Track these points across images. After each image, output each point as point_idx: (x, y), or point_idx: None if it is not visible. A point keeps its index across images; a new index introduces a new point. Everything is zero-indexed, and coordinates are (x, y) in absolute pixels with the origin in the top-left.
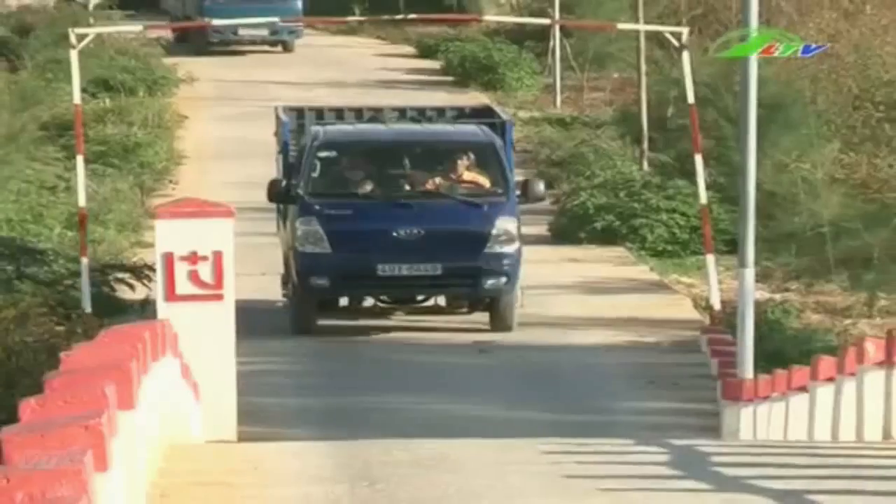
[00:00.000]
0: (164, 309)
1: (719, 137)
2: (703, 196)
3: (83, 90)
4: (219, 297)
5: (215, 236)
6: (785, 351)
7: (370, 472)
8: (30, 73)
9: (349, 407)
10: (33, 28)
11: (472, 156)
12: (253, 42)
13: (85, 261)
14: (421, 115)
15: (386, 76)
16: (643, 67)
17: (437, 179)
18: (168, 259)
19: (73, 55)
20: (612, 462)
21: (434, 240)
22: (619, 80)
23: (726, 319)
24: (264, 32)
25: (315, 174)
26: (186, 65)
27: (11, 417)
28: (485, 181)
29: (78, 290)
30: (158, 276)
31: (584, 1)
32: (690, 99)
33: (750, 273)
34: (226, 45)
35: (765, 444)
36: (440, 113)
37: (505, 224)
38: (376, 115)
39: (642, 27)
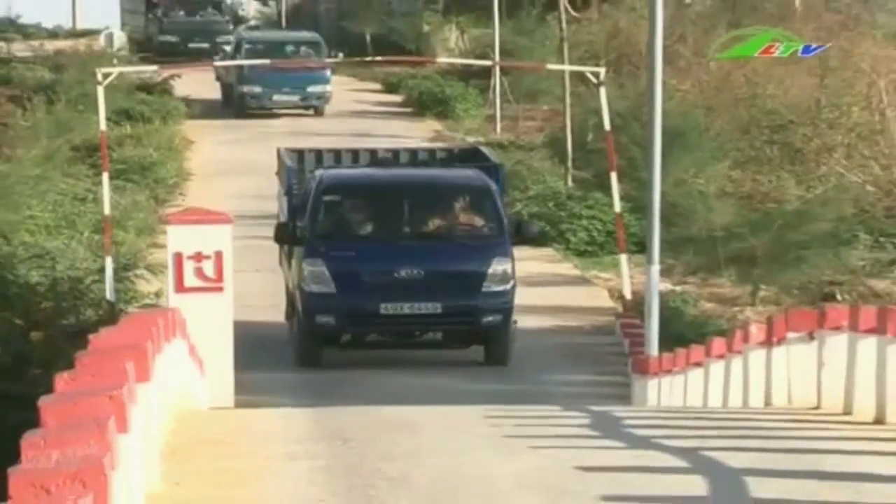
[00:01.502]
0: (174, 299)
1: (630, 158)
2: (617, 206)
3: (108, 119)
4: (220, 289)
5: (216, 239)
6: (684, 333)
7: (344, 433)
8: (64, 106)
9: (328, 379)
10: (67, 68)
11: (468, 198)
12: (286, 107)
13: (109, 259)
14: (413, 156)
15: (358, 107)
16: (568, 100)
17: (436, 221)
18: (178, 258)
19: (100, 90)
20: (542, 424)
21: (434, 280)
22: (548, 111)
23: (636, 307)
24: (296, 98)
25: (320, 217)
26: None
27: (49, 390)
28: (480, 223)
29: (104, 284)
30: (169, 272)
31: (520, 46)
32: (607, 126)
33: (655, 269)
34: (264, 110)
35: (667, 409)
36: (431, 154)
37: (500, 264)
38: (376, 158)
39: (567, 67)
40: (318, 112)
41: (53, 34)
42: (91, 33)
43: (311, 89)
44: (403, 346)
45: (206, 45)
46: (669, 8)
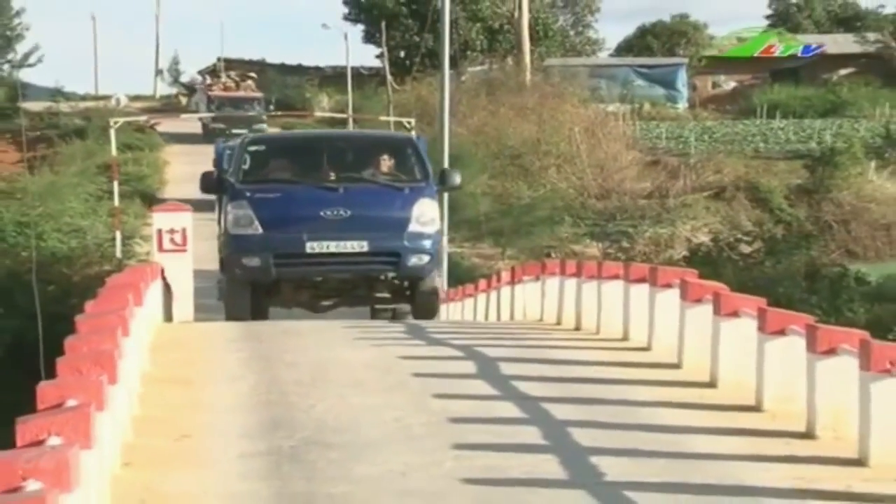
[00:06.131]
0: (157, 257)
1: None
2: None
3: (117, 148)
4: (184, 251)
5: (182, 220)
6: (463, 276)
7: (259, 336)
8: (91, 141)
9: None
10: (92, 118)
11: (392, 150)
12: None
13: (118, 233)
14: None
15: None
16: None
17: (362, 168)
18: (159, 232)
19: (112, 132)
20: (378, 331)
21: (360, 220)
22: None
23: None
24: None
25: (245, 165)
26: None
27: (82, 311)
28: (406, 169)
29: (115, 248)
30: (154, 241)
31: (364, 106)
32: None
33: (445, 239)
34: None
35: (453, 322)
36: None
37: (425, 206)
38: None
39: (391, 119)
40: None
41: (83, 97)
42: (107, 97)
43: None
44: (335, 296)
45: (245, 131)
46: (452, 84)
